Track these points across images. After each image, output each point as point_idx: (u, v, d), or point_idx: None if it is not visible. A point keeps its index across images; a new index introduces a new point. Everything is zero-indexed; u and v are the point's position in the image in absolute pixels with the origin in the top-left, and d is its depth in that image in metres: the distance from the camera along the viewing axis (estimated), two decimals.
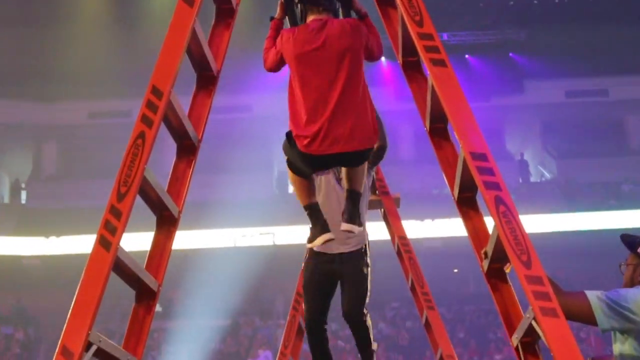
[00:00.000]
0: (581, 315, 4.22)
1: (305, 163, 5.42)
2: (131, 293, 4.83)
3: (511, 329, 4.56)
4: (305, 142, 5.25)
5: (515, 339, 4.50)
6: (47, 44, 32.85)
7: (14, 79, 33.51)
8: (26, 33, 32.84)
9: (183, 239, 24.37)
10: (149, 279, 4.74)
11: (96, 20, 34.12)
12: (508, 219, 4.13)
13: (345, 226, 5.66)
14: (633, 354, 4.19)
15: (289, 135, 5.42)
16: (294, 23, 5.83)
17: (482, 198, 4.32)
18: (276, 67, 5.60)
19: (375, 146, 6.37)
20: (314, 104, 5.25)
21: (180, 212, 5.07)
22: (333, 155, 5.28)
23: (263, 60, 5.67)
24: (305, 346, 26.67)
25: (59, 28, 33.07)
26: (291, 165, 5.57)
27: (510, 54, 36.33)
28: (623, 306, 4.15)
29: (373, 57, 5.52)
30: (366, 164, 5.80)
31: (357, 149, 5.28)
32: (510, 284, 4.71)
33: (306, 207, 5.65)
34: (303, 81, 5.31)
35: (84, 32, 33.73)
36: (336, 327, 30.26)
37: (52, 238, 31.65)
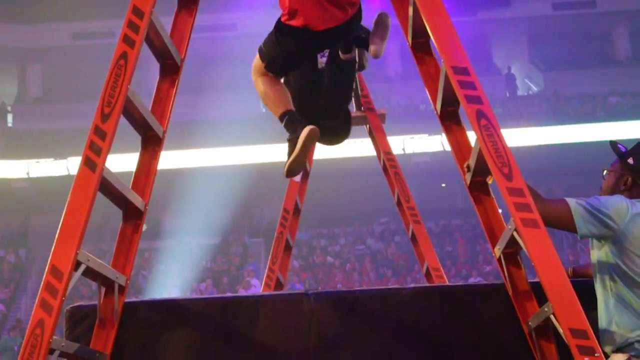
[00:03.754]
0: (560, 221, 4.25)
1: (298, 42, 4.99)
2: (120, 213, 4.87)
3: (494, 240, 4.64)
4: (301, 17, 4.83)
5: (498, 250, 4.58)
6: None
7: None
8: None
9: (170, 159, 24.41)
10: (135, 199, 4.78)
11: None
12: (490, 132, 4.15)
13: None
14: (609, 260, 4.26)
15: (278, 23, 5.04)
16: None
17: (464, 112, 4.35)
18: None
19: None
20: None
21: (164, 131, 5.08)
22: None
23: None
24: (295, 262, 26.67)
25: None
26: (274, 55, 5.10)
27: None
28: (603, 212, 4.20)
29: None
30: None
31: (347, 18, 4.90)
32: (493, 196, 4.77)
33: (284, 114, 5.08)
34: None
35: None
36: (325, 243, 30.55)
37: (40, 160, 31.63)
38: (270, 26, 5.19)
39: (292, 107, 5.11)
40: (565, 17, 35.46)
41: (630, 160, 4.50)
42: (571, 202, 4.22)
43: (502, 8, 35.49)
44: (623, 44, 37.18)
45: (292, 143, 4.93)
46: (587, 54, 35.67)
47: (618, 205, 4.24)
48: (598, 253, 4.33)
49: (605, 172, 4.65)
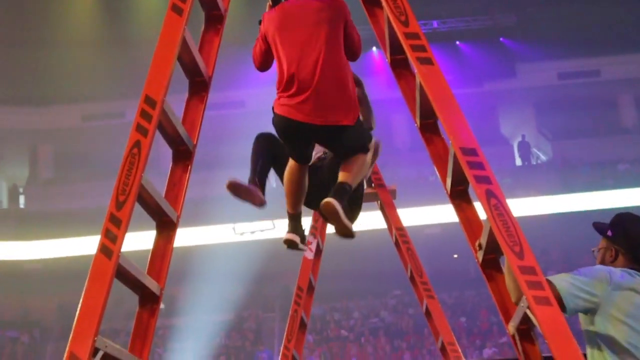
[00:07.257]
0: None
1: (287, 135, 5.43)
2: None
3: (507, 317, 4.66)
4: (286, 105, 5.23)
5: (511, 327, 4.60)
6: (38, 47, 32.85)
7: (6, 84, 33.55)
8: (17, 37, 32.85)
9: (183, 237, 24.42)
10: (151, 284, 4.82)
11: (87, 21, 34.14)
12: (500, 212, 4.22)
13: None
14: (597, 330, 4.32)
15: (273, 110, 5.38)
16: None
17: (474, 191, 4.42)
18: (264, 59, 5.53)
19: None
20: (295, 62, 5.19)
21: (178, 216, 5.14)
22: (313, 127, 5.25)
23: (253, 59, 5.63)
24: (309, 337, 26.48)
25: (51, 30, 33.07)
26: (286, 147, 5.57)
27: (501, 39, 36.38)
28: (585, 282, 4.29)
29: (353, 51, 5.44)
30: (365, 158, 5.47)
31: (338, 123, 5.22)
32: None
33: (288, 213, 5.86)
34: (283, 41, 5.26)
35: (75, 33, 33.72)
36: (339, 317, 30.40)
37: (52, 241, 31.69)
38: None
39: (295, 210, 5.92)
40: (570, 86, 35.70)
41: (609, 233, 4.67)
42: (555, 279, 4.30)
43: (508, 79, 35.81)
44: (629, 112, 37.34)
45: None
46: (593, 122, 35.82)
47: (598, 275, 4.34)
48: (585, 323, 4.40)
49: (594, 251, 4.79)
